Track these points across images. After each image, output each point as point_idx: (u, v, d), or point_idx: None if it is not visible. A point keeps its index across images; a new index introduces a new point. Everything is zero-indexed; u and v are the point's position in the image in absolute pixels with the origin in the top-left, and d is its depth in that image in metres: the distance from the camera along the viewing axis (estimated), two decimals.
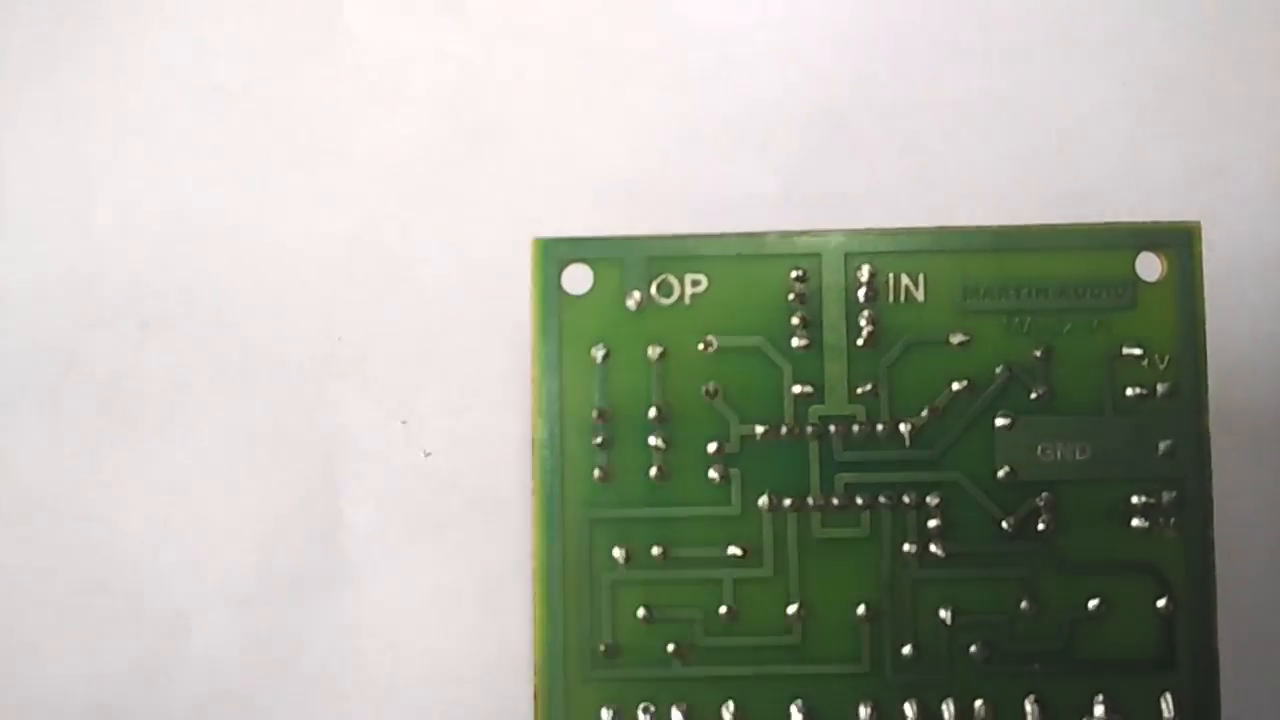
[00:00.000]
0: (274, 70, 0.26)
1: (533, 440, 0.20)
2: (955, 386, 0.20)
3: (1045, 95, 0.25)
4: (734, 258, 0.20)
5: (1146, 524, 0.20)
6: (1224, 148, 0.25)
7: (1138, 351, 0.20)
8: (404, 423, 0.24)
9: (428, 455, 0.23)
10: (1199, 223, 0.20)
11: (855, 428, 0.20)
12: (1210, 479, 0.20)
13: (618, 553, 0.20)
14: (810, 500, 0.20)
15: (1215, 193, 0.25)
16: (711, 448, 0.20)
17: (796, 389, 0.20)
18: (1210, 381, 0.20)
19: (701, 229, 0.20)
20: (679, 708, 0.19)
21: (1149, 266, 0.20)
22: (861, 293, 0.20)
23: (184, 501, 0.23)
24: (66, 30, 0.26)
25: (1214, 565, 0.20)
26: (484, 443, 0.23)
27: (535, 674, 0.19)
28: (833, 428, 0.20)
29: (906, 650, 0.20)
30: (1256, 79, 0.25)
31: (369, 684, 0.22)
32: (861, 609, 0.20)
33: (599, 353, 0.20)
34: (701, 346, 0.20)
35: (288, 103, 0.26)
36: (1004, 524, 0.20)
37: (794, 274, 0.20)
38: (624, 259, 0.20)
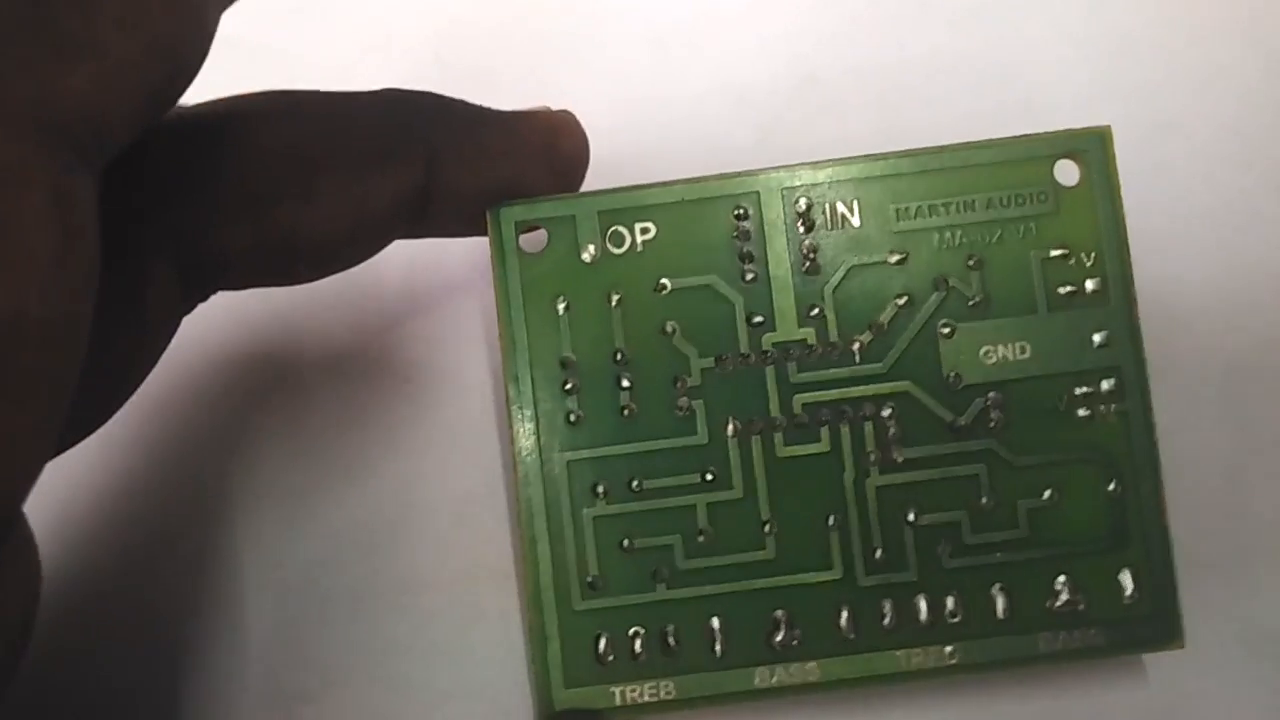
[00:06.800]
0: (275, 22, 0.27)
1: (505, 394, 0.21)
2: (898, 302, 0.21)
3: (1008, 54, 0.27)
4: (678, 203, 0.21)
5: (1089, 412, 0.21)
6: (1177, 106, 0.26)
7: (1064, 252, 0.21)
8: None
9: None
10: (1109, 126, 0.21)
11: (807, 350, 0.21)
12: (1145, 364, 0.21)
13: (597, 489, 0.21)
14: (772, 422, 0.21)
15: (1168, 147, 0.26)
16: (675, 383, 0.21)
17: (749, 320, 0.21)
18: (1137, 275, 0.21)
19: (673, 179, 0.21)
20: (668, 628, 0.21)
21: (1067, 173, 0.21)
22: (800, 224, 0.21)
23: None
24: None
25: (1157, 444, 0.21)
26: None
27: (528, 608, 0.21)
28: (787, 352, 0.21)
29: (877, 554, 0.21)
30: (1210, 43, 0.27)
31: (347, 591, 0.24)
32: (830, 519, 0.21)
33: (560, 305, 0.21)
34: (656, 289, 0.21)
35: (285, 53, 0.27)
36: (956, 425, 0.21)
37: (736, 212, 0.21)
38: (575, 215, 0.21)
